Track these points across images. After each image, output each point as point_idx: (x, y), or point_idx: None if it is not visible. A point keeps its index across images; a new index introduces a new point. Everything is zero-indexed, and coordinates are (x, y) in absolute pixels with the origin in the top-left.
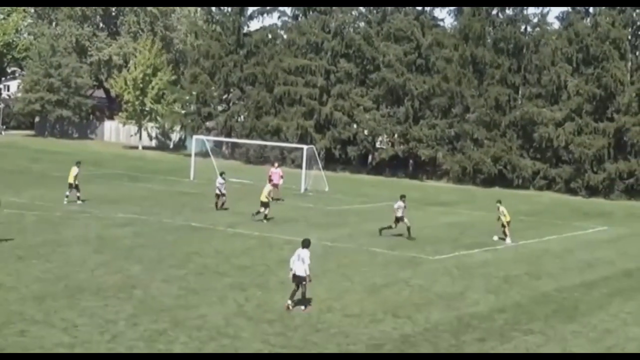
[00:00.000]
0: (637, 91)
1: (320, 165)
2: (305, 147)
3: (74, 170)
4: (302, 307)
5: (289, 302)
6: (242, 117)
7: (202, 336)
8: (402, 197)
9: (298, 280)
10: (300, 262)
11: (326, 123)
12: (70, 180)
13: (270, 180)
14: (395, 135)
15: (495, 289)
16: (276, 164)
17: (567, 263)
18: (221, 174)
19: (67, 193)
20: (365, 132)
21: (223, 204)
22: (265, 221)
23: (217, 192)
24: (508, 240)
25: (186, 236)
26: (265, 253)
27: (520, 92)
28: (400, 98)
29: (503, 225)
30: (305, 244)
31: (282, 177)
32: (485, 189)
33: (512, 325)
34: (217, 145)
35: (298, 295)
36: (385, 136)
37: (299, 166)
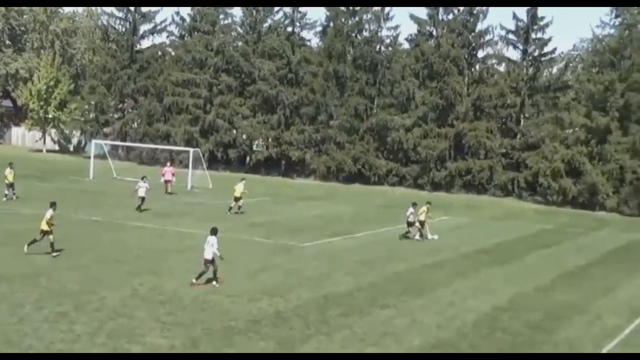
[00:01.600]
0: (473, 102)
1: (204, 166)
2: (191, 149)
3: (8, 170)
4: (214, 283)
5: (194, 280)
6: (135, 123)
7: (102, 317)
8: (413, 204)
9: (207, 262)
10: (210, 247)
11: (210, 129)
12: (10, 179)
13: (163, 176)
14: (270, 139)
15: (354, 271)
16: (168, 163)
17: (416, 248)
18: (143, 178)
19: (6, 192)
20: (244, 136)
21: (140, 205)
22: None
23: (141, 194)
24: (429, 236)
25: (88, 229)
26: (157, 243)
27: (375, 102)
28: (273, 107)
29: (421, 223)
30: (214, 231)
31: (173, 174)
32: (346, 185)
33: (369, 302)
34: (114, 148)
35: (209, 275)
36: (261, 140)
37: (186, 166)
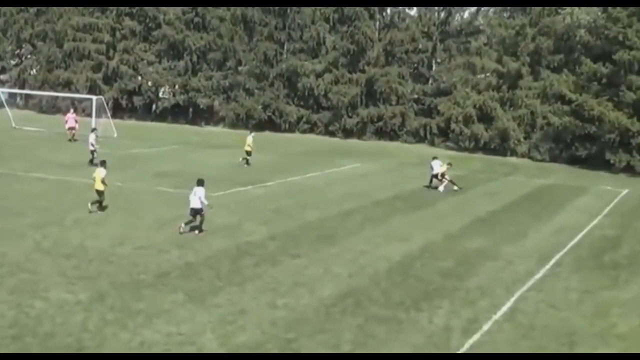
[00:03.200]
0: (384, 47)
1: (109, 114)
2: (94, 97)
3: None
4: (197, 232)
5: (183, 225)
6: (34, 70)
7: (3, 272)
8: (435, 158)
9: (194, 212)
10: (197, 198)
11: (113, 75)
12: None
13: (66, 123)
14: (176, 86)
15: (267, 220)
16: (71, 109)
17: (328, 196)
18: (93, 130)
19: None
20: (149, 83)
21: (93, 159)
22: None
23: (91, 147)
24: (441, 187)
25: None
26: (62, 195)
27: (285, 47)
28: (180, 53)
29: (442, 176)
30: (200, 182)
31: (77, 121)
32: (257, 133)
33: (282, 251)
34: (12, 96)
35: (195, 223)
36: (167, 87)
37: (89, 115)
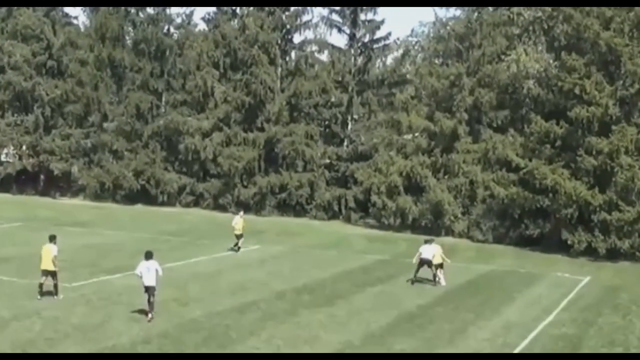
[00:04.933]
0: (288, 99)
1: None
2: None
3: None
4: (150, 316)
5: (150, 314)
6: None
7: None
8: (428, 242)
9: (153, 290)
10: (152, 273)
11: None
12: None
13: None
14: (24, 147)
15: (139, 318)
16: None
17: (217, 286)
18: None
19: None
20: None
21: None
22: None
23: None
24: (442, 280)
25: None
26: None
27: (164, 98)
28: (29, 104)
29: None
30: (150, 255)
31: None
32: (126, 206)
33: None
34: None
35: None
36: (12, 148)
37: None
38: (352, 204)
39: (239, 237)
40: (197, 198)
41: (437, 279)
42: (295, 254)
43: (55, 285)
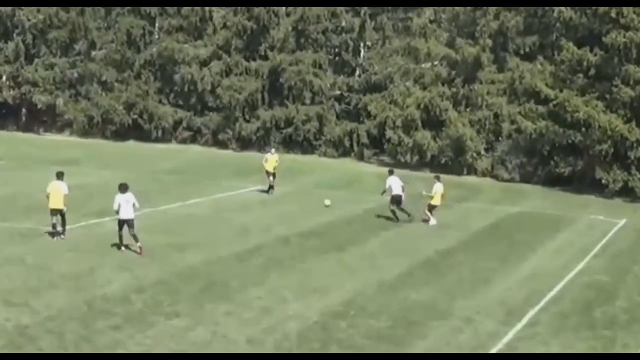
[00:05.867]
0: (294, 24)
1: None
2: None
3: None
4: (138, 244)
5: (122, 248)
6: None
7: None
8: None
9: (129, 223)
10: (130, 207)
11: None
12: None
13: None
14: (3, 78)
15: (131, 265)
16: None
17: (216, 230)
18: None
19: None
20: None
21: None
22: None
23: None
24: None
25: None
26: None
27: (157, 23)
28: (8, 30)
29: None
30: (125, 187)
31: None
32: (117, 142)
33: (153, 308)
34: None
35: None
36: None
37: None
38: (364, 140)
39: (271, 175)
40: (194, 133)
41: (427, 219)
42: (302, 195)
43: (64, 224)
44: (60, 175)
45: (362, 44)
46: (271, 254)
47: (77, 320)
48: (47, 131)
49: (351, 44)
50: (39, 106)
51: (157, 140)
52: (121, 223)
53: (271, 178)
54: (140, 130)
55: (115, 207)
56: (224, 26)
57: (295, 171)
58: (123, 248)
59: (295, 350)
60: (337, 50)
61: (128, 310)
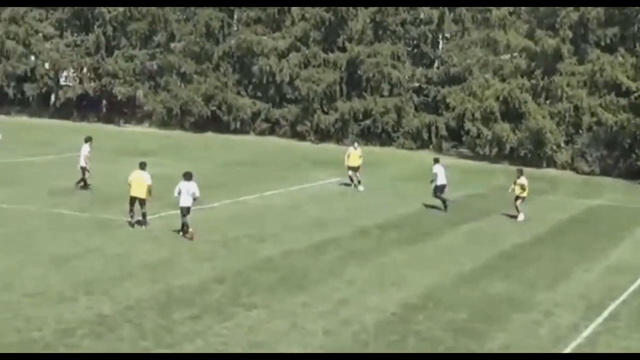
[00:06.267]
0: (372, 15)
1: None
2: None
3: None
4: (188, 233)
5: (182, 233)
6: None
7: None
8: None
9: (187, 211)
10: (188, 195)
11: None
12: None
13: None
14: (84, 69)
15: (210, 256)
16: None
17: (294, 222)
18: (87, 140)
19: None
20: (47, 65)
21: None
22: None
23: (83, 164)
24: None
25: None
26: None
27: (235, 15)
28: (89, 23)
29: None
30: (189, 176)
31: None
32: (195, 134)
33: (231, 299)
34: None
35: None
36: (72, 70)
37: None
38: (443, 132)
39: (355, 169)
40: (272, 125)
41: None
42: (380, 187)
43: (144, 214)
44: (142, 166)
45: (440, 36)
46: (349, 246)
47: (156, 310)
48: (127, 123)
49: (430, 35)
50: (119, 98)
51: (235, 131)
52: (181, 210)
53: (351, 173)
54: (219, 122)
55: (176, 193)
56: (302, 18)
57: (373, 163)
58: (189, 233)
59: (372, 342)
60: (415, 41)
61: (206, 301)
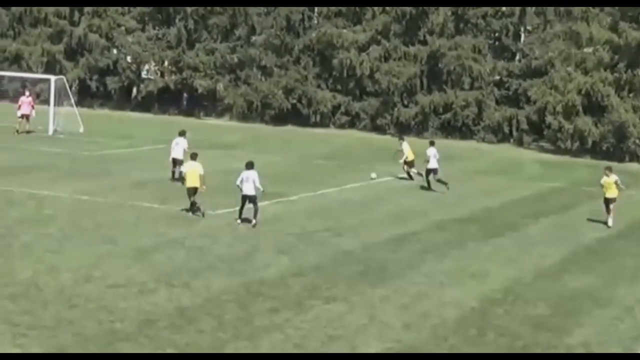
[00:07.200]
0: (453, 9)
1: (72, 101)
2: (53, 77)
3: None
4: (253, 222)
5: (238, 220)
6: None
7: None
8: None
9: (250, 200)
10: (250, 183)
11: (79, 48)
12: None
13: (19, 109)
14: (166, 63)
15: (289, 249)
16: (27, 92)
17: (373, 215)
18: (182, 134)
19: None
20: (129, 59)
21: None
22: None
23: (175, 156)
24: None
25: None
26: (4, 211)
27: (316, 9)
28: (170, 16)
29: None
30: (251, 165)
31: (33, 107)
32: (275, 127)
33: (310, 292)
34: None
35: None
36: (153, 64)
37: (46, 102)
38: (524, 126)
39: (411, 164)
40: (352, 118)
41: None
42: (460, 181)
43: (192, 205)
44: (194, 156)
45: (522, 29)
46: (428, 239)
47: (235, 303)
48: (207, 116)
49: (511, 28)
50: (199, 91)
51: (315, 125)
52: (244, 198)
53: (407, 168)
54: (299, 115)
55: (238, 182)
56: (383, 11)
57: (454, 157)
58: (239, 221)
59: (451, 336)
60: (497, 34)
61: (285, 294)
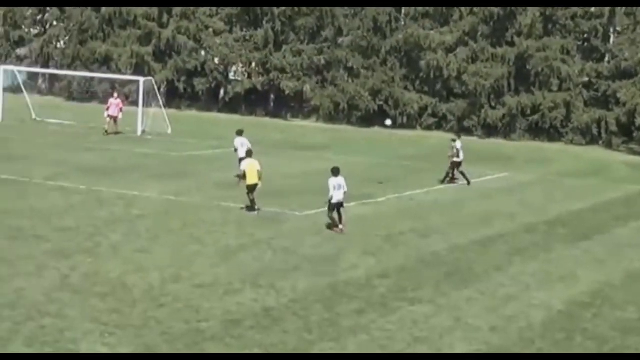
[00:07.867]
0: (542, 10)
1: (161, 102)
2: (142, 79)
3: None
4: (340, 227)
5: (341, 227)
6: (62, 42)
7: (17, 316)
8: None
9: (342, 205)
10: (341, 190)
11: (167, 49)
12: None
13: (107, 110)
14: (253, 64)
15: (375, 250)
16: (115, 94)
17: (459, 217)
18: (239, 133)
19: None
20: (216, 60)
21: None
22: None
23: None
24: None
25: None
26: (94, 211)
27: (403, 10)
28: (258, 18)
29: None
30: (338, 171)
31: (121, 109)
32: (362, 128)
33: (396, 293)
34: (32, 77)
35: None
36: (241, 65)
37: (135, 103)
38: (613, 128)
39: (458, 165)
40: (439, 120)
41: None
42: (548, 183)
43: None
44: (250, 153)
45: (612, 29)
46: (515, 242)
47: (320, 303)
48: (294, 117)
49: (601, 29)
50: (286, 92)
51: (402, 126)
52: (337, 206)
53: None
54: (386, 117)
55: (331, 191)
56: (471, 12)
57: (541, 159)
58: (339, 228)
59: (538, 340)
60: (586, 36)
61: (371, 295)
